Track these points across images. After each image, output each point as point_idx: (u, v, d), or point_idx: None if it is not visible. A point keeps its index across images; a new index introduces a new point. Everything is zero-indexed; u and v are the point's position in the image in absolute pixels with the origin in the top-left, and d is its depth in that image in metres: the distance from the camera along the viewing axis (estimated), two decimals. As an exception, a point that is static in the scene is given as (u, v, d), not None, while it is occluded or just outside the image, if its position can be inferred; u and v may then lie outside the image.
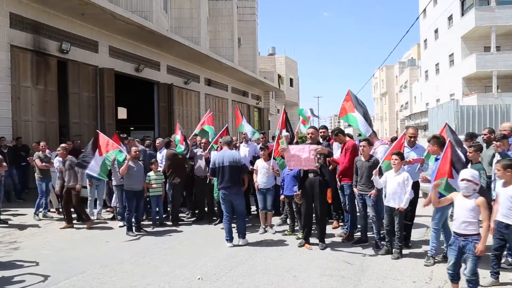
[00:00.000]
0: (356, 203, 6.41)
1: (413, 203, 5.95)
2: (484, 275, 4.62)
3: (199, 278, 4.85)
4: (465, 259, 3.92)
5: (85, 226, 7.82)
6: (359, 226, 6.59)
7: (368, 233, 6.30)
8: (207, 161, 7.82)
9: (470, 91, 27.31)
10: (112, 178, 7.97)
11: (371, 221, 6.10)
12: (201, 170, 8.04)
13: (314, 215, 6.27)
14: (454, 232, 4.01)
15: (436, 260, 5.25)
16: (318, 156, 5.96)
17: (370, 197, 5.91)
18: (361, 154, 6.17)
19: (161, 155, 8.51)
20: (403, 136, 6.01)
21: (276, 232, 7.13)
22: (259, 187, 7.17)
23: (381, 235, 5.96)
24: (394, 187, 5.47)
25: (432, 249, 5.22)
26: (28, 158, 9.20)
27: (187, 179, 8.15)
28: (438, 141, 5.36)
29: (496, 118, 17.96)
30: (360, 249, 5.96)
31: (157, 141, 9.31)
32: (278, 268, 5.22)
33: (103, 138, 7.56)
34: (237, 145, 8.94)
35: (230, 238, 6.32)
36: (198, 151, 8.24)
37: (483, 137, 7.15)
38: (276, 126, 7.22)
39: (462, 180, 3.97)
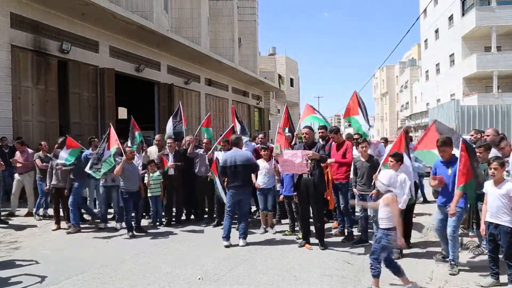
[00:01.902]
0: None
1: (412, 204, 5.93)
2: (485, 276, 4.63)
3: (199, 278, 4.85)
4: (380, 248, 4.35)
5: (85, 226, 7.81)
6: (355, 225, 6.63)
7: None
8: (210, 161, 7.81)
9: (470, 91, 27.30)
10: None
11: (371, 221, 6.11)
12: (202, 170, 8.03)
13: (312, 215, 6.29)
14: (379, 227, 4.46)
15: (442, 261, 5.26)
16: (310, 161, 5.97)
17: (371, 197, 5.92)
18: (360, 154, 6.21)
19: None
20: (403, 134, 5.98)
21: (276, 232, 7.14)
22: (259, 187, 7.17)
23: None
24: None
25: (455, 257, 4.97)
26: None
27: (172, 182, 8.04)
28: (449, 143, 5.18)
29: (496, 118, 17.94)
30: (360, 249, 5.96)
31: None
32: (278, 268, 5.22)
33: (113, 133, 7.51)
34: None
35: (226, 236, 6.30)
36: (200, 151, 8.23)
37: (471, 138, 7.21)
38: (278, 128, 7.17)
39: (377, 180, 4.59)
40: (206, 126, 9.45)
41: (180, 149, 8.39)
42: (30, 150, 8.80)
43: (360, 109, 7.02)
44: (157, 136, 8.66)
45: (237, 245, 6.27)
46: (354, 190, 6.21)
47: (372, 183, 5.83)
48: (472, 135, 7.23)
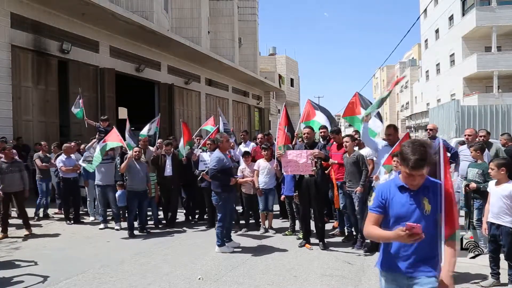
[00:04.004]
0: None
1: None
2: (485, 276, 4.62)
3: (199, 278, 4.85)
4: None
5: (85, 226, 7.80)
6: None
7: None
8: (196, 163, 7.85)
9: (471, 91, 27.28)
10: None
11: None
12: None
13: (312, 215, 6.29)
14: None
15: None
16: (315, 160, 5.96)
17: (356, 194, 5.93)
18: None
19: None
20: (407, 135, 5.94)
21: (276, 232, 7.12)
22: (260, 187, 7.12)
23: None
24: None
25: None
26: None
27: (168, 183, 7.97)
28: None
29: (497, 118, 17.94)
30: (361, 250, 5.95)
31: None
32: (278, 268, 5.22)
33: (115, 132, 7.55)
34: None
35: (226, 240, 6.19)
36: (198, 152, 8.20)
37: (466, 138, 7.12)
38: (278, 125, 7.14)
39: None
40: (211, 125, 9.43)
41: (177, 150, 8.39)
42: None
43: (363, 109, 6.90)
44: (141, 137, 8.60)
45: (238, 246, 6.26)
46: (344, 186, 6.27)
47: (363, 180, 5.85)
48: (469, 135, 7.09)
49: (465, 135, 7.11)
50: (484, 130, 7.06)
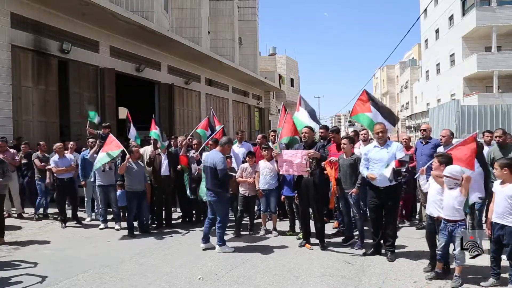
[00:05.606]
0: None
1: (396, 201, 5.76)
2: (485, 276, 4.62)
3: (199, 278, 4.85)
4: (454, 241, 4.54)
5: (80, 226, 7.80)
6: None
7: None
8: (198, 162, 7.77)
9: (471, 91, 27.29)
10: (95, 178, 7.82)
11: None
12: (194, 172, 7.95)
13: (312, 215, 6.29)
14: (444, 219, 4.59)
15: None
16: (311, 160, 5.93)
17: (351, 196, 5.93)
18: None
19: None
20: (472, 139, 5.06)
21: (276, 232, 7.09)
22: (260, 189, 7.05)
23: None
24: (433, 194, 4.90)
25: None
26: None
27: (164, 182, 7.89)
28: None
29: (497, 118, 17.94)
30: (360, 249, 5.94)
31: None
32: (278, 268, 5.21)
33: (111, 138, 7.48)
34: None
35: (203, 238, 6.17)
36: (191, 153, 8.15)
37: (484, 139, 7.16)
38: (278, 125, 7.08)
39: (444, 176, 4.58)
40: (202, 128, 9.33)
41: (173, 150, 8.37)
42: (12, 150, 8.62)
43: (372, 107, 6.77)
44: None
45: (238, 246, 6.24)
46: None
47: (359, 182, 5.86)
48: (488, 136, 7.12)
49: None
50: (501, 130, 6.62)
